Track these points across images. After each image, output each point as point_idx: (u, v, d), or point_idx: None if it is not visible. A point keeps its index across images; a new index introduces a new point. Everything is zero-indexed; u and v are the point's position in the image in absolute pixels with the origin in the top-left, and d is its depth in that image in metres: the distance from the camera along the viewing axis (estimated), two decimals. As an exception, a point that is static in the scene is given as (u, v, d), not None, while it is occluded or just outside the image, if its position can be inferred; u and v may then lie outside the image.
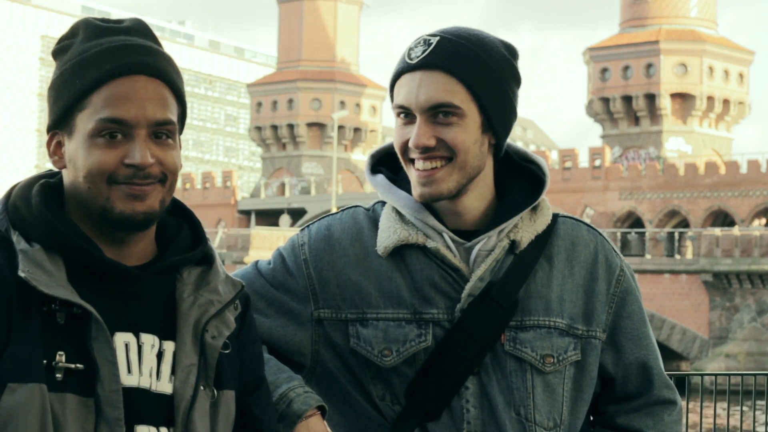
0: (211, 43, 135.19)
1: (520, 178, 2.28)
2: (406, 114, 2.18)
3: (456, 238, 2.21)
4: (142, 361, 1.88)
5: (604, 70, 71.37)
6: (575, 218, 2.32)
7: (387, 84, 2.30)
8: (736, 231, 47.10)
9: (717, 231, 47.45)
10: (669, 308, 46.29)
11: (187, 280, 1.95)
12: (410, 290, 2.21)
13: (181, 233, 1.99)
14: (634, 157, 69.42)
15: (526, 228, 2.23)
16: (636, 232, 57.02)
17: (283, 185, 77.73)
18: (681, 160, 64.64)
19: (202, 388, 1.91)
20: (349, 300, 2.24)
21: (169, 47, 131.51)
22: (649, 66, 69.74)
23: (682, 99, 70.05)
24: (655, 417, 2.31)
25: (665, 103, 69.18)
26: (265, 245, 50.75)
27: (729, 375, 9.31)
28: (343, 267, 2.25)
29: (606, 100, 71.01)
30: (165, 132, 1.90)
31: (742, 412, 9.05)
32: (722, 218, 59.88)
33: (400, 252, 2.23)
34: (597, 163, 63.20)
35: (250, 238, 51.95)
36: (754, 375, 8.86)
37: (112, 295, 1.88)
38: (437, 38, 2.18)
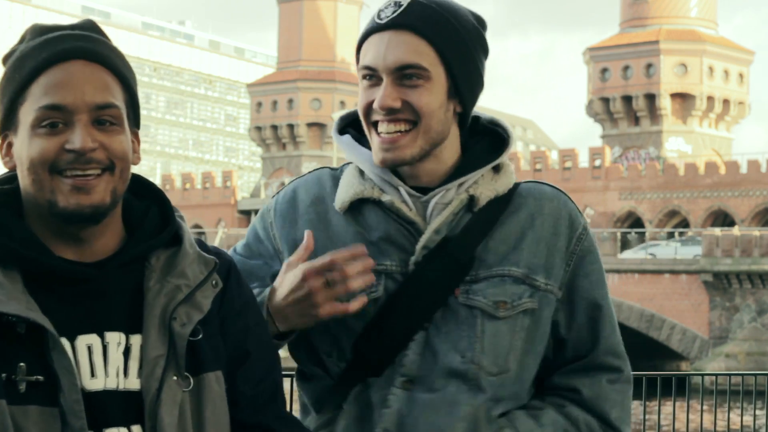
0: (211, 43, 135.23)
1: (484, 139, 2.25)
2: (372, 76, 2.15)
3: (413, 192, 2.19)
4: (107, 362, 1.84)
5: (604, 70, 71.36)
6: (538, 181, 2.28)
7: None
8: (736, 231, 47.08)
9: (717, 231, 47.44)
10: (669, 308, 46.27)
11: (155, 266, 1.90)
12: (366, 243, 2.17)
13: (149, 216, 1.93)
14: (634, 157, 69.42)
15: (486, 185, 2.20)
16: (636, 232, 57.00)
17: (283, 185, 77.18)
18: (681, 160, 64.64)
19: (174, 378, 1.86)
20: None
21: (169, 47, 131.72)
22: (649, 66, 69.73)
23: (682, 99, 70.05)
24: (592, 378, 2.22)
25: (665, 103, 69.17)
26: (265, 245, 50.67)
27: (729, 375, 9.32)
28: (303, 225, 2.24)
29: (606, 100, 71.00)
30: (109, 117, 1.84)
31: (742, 412, 9.05)
32: (722, 218, 59.87)
33: (359, 207, 2.21)
34: (597, 163, 63.19)
35: (250, 238, 51.89)
36: (755, 375, 8.86)
37: (73, 298, 1.84)
38: (408, 1, 2.16)
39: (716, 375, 8.98)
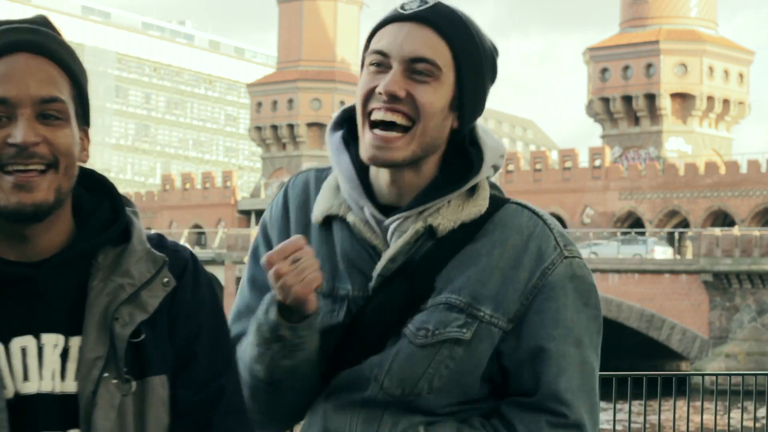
0: (211, 43, 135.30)
1: (463, 161, 2.15)
2: (381, 63, 2.08)
3: (377, 214, 2.11)
4: (42, 365, 1.77)
5: (604, 70, 71.40)
6: (525, 204, 2.16)
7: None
8: (736, 231, 47.10)
9: (717, 231, 47.45)
10: (669, 308, 46.29)
11: (102, 264, 1.81)
12: (331, 263, 2.12)
13: (99, 212, 1.85)
14: (634, 157, 69.44)
15: (448, 214, 2.10)
16: (636, 232, 57.01)
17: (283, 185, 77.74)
18: (681, 160, 64.68)
19: (114, 381, 1.77)
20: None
21: (169, 47, 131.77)
22: (649, 66, 69.76)
23: (682, 99, 70.08)
24: (532, 416, 2.08)
25: (665, 103, 69.21)
26: (265, 245, 50.75)
27: (729, 375, 9.33)
28: (293, 231, 2.18)
29: (606, 100, 71.03)
30: (53, 112, 1.77)
31: (742, 412, 9.06)
32: (722, 218, 59.89)
33: (331, 222, 2.15)
34: (597, 163, 63.23)
35: (250, 238, 51.99)
36: (755, 375, 8.87)
37: (10, 298, 1.78)
38: (435, 1, 2.12)
39: (716, 375, 8.99)
